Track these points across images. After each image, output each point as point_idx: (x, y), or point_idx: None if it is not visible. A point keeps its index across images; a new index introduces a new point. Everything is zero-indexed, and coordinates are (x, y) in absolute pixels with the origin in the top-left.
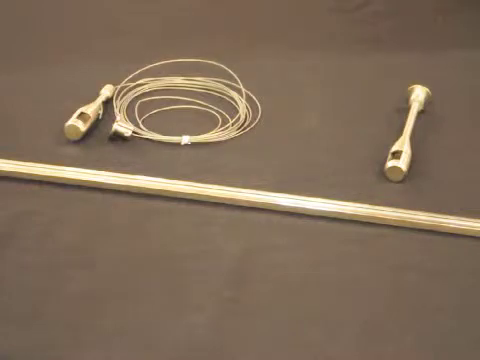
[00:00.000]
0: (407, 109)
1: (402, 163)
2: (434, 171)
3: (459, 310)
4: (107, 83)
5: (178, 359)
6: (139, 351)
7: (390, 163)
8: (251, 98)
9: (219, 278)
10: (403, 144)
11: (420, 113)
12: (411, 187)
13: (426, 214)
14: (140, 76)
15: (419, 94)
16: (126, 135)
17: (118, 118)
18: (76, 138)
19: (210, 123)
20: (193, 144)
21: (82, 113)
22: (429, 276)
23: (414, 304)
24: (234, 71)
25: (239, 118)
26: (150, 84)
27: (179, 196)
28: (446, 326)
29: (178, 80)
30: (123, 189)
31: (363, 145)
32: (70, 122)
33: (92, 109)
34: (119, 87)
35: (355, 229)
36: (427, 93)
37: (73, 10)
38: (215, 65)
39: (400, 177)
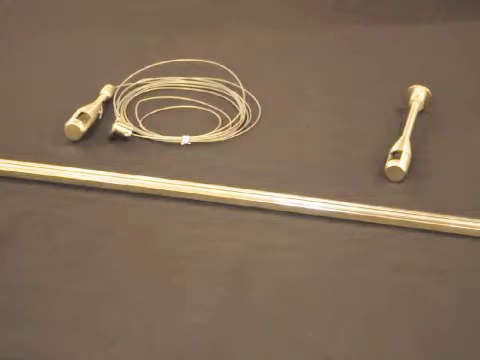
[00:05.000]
0: (407, 109)
1: (402, 163)
2: (434, 171)
3: (459, 310)
4: (107, 83)
5: (178, 359)
6: (139, 351)
7: (390, 163)
8: (251, 98)
9: (219, 278)
10: (403, 144)
11: (420, 113)
12: (411, 187)
13: (426, 214)
14: (140, 76)
15: (419, 94)
16: (126, 135)
17: (118, 118)
18: (76, 138)
19: (210, 123)
20: (193, 144)
21: (82, 113)
22: (429, 276)
23: (414, 304)
24: (234, 71)
25: (239, 118)
26: (150, 84)
27: (179, 196)
28: (446, 326)
29: (178, 80)
30: (123, 189)
31: (363, 145)
32: (70, 122)
33: (92, 109)
34: (119, 87)
35: (355, 229)
36: (427, 93)
37: (73, 9)
38: (215, 65)
39: (400, 177)
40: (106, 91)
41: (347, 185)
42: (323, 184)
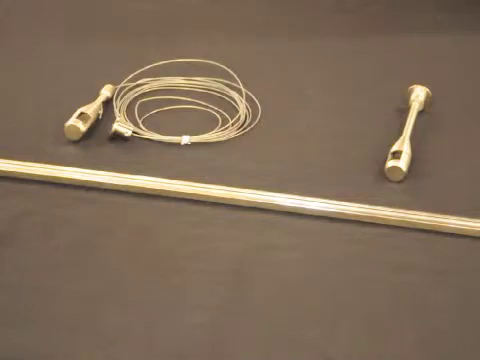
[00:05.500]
0: (407, 109)
1: (402, 163)
2: (434, 171)
3: (459, 310)
4: (107, 83)
5: (178, 359)
6: (139, 351)
7: (390, 163)
8: (251, 98)
9: (219, 278)
10: (403, 144)
11: (420, 113)
12: (411, 187)
13: (426, 214)
14: (140, 76)
15: (419, 94)
16: (126, 135)
17: (118, 118)
18: (76, 138)
19: (210, 123)
20: (193, 144)
21: (82, 113)
22: (429, 276)
23: (414, 304)
24: (234, 71)
25: (239, 118)
26: (150, 84)
27: (179, 196)
28: (446, 326)
29: (178, 80)
30: (123, 189)
31: (363, 145)
32: (70, 122)
33: (92, 109)
34: (119, 87)
35: (355, 229)
36: (427, 93)
37: (73, 10)
38: (215, 65)
39: (400, 177)
40: (106, 91)
41: (347, 185)
42: (323, 184)
